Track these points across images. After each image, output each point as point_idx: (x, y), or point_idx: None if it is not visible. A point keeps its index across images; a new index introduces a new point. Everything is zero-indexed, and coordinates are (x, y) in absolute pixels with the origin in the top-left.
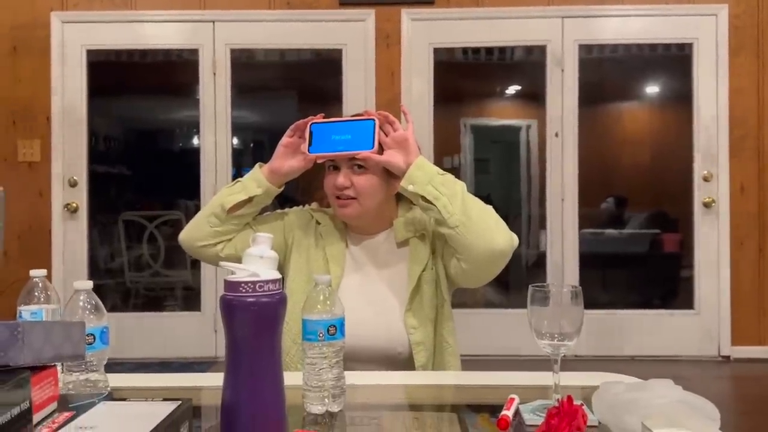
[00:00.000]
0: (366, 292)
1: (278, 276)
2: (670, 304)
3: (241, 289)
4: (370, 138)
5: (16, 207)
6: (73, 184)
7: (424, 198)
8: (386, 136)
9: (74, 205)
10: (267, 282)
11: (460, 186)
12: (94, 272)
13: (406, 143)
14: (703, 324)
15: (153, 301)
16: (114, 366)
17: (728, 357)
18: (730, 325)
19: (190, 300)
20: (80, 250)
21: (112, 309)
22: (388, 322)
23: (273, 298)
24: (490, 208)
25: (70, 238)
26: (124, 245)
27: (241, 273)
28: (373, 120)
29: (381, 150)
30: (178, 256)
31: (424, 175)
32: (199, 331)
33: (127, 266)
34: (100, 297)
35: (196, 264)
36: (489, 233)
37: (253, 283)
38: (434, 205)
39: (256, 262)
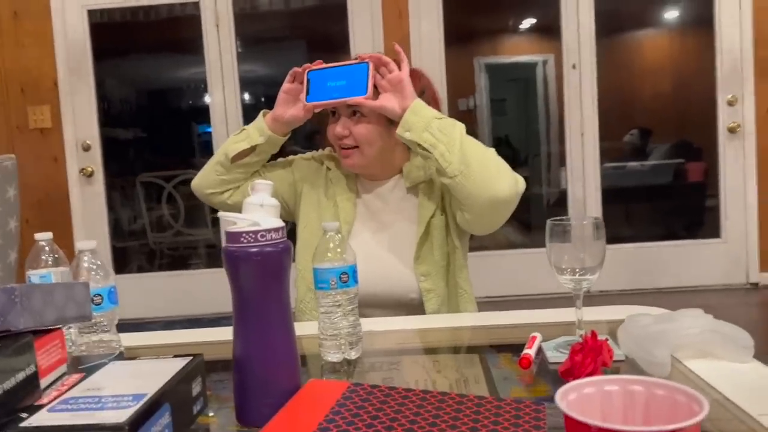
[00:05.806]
0: (377, 240)
1: (281, 224)
2: (696, 234)
3: (242, 239)
4: (364, 83)
5: (32, 174)
6: (86, 148)
7: (421, 146)
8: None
9: (89, 169)
10: (269, 231)
11: (458, 130)
12: (116, 235)
13: (401, 85)
14: (731, 252)
15: (177, 260)
16: (144, 326)
17: (756, 284)
18: (758, 252)
19: (214, 257)
20: (100, 214)
21: (138, 270)
22: (399, 269)
23: (276, 247)
24: (491, 151)
25: (89, 202)
26: (144, 207)
27: (242, 223)
28: (367, 63)
29: (378, 94)
30: (198, 214)
31: (421, 121)
32: (225, 287)
33: (149, 227)
34: (125, 259)
35: (216, 222)
36: (490, 181)
37: (255, 232)
38: (431, 153)
39: (256, 211)
